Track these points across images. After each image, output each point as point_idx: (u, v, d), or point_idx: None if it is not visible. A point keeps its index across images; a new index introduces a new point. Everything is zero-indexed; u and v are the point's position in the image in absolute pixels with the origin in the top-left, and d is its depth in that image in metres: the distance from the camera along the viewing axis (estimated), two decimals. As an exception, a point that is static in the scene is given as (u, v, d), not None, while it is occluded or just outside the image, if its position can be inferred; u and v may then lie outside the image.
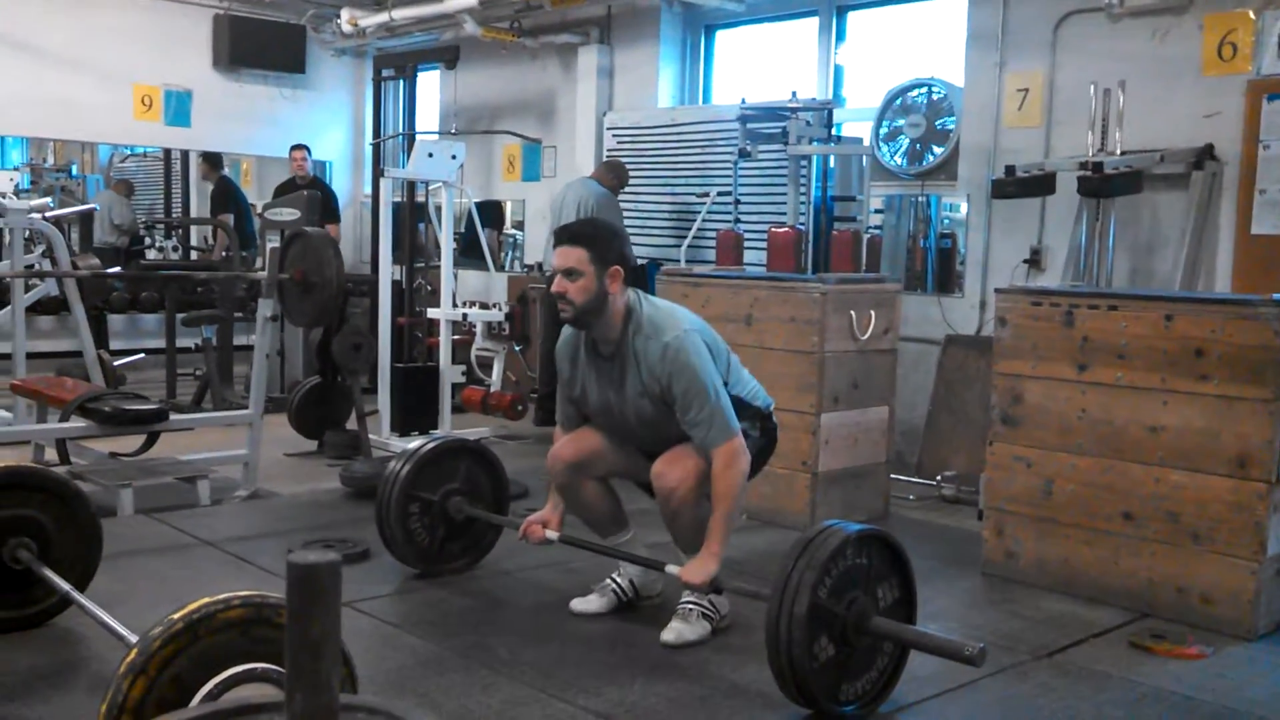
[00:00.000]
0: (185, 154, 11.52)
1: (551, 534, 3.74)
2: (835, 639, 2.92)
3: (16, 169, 12.55)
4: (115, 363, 7.27)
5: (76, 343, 6.57)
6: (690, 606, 3.56)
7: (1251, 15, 5.33)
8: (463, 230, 8.42)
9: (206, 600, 2.11)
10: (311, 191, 8.30)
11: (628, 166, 7.48)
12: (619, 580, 3.79)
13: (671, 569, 3.44)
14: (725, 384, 3.50)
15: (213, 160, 9.94)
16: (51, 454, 5.61)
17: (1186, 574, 3.89)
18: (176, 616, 2.10)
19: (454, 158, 6.56)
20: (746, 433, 3.60)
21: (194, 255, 10.61)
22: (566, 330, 3.64)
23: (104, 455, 5.50)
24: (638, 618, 3.71)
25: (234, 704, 1.23)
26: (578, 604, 3.76)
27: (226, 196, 9.80)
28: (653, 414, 3.49)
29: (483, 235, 7.65)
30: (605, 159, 7.68)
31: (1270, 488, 3.70)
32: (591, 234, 3.48)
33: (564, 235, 3.48)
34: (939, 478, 5.78)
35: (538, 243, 8.76)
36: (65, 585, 3.18)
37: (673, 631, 3.51)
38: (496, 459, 4.25)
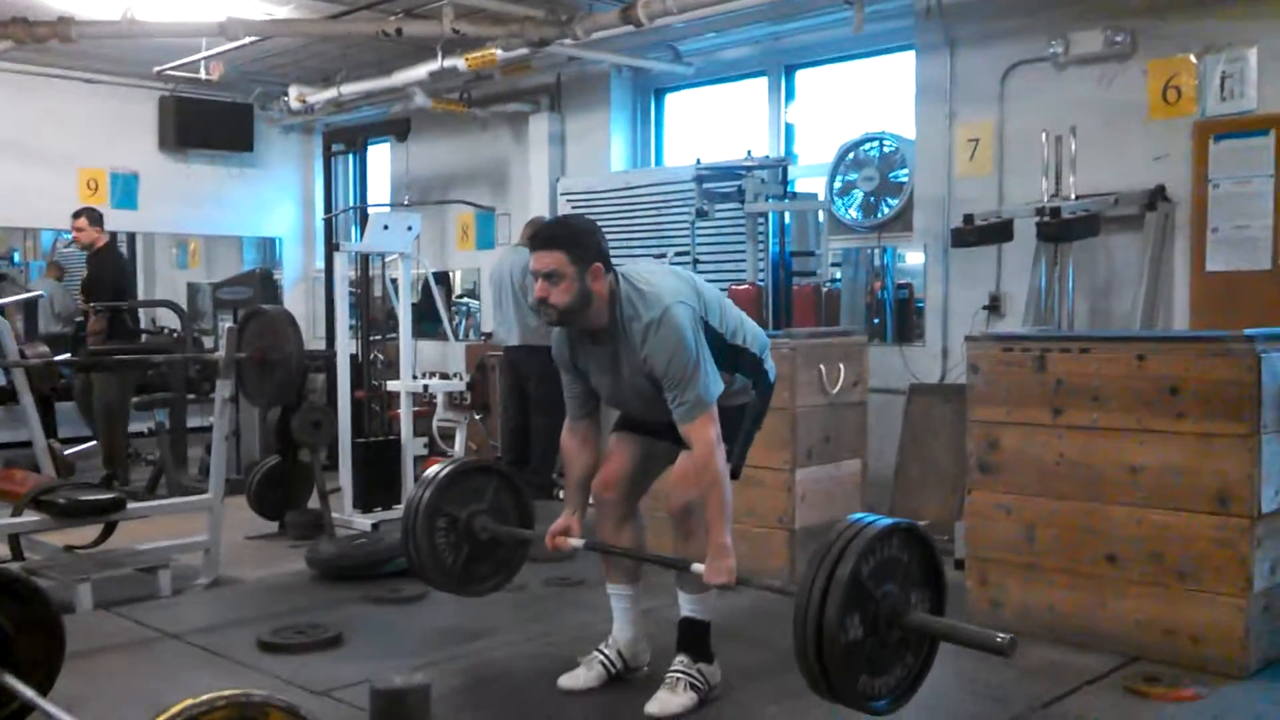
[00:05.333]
0: (131, 236, 11.32)
1: (576, 542, 3.62)
2: (866, 623, 2.76)
3: (-43, 259, 12.30)
4: (65, 451, 7.07)
5: (25, 433, 6.38)
6: (678, 676, 3.46)
7: (1193, 59, 5.46)
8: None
9: (189, 702, 1.99)
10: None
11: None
12: (607, 652, 3.67)
13: (697, 567, 3.33)
14: (723, 336, 3.44)
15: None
16: (3, 549, 5.40)
17: (1174, 614, 3.86)
18: (157, 721, 1.98)
19: (410, 229, 6.48)
20: (744, 404, 3.57)
21: (144, 338, 10.39)
22: (556, 330, 3.54)
23: (59, 549, 5.30)
24: (628, 689, 3.59)
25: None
26: (565, 680, 3.63)
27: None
28: (652, 393, 3.37)
29: (440, 304, 7.58)
30: (528, 221, 7.59)
31: (1253, 523, 3.69)
32: (567, 234, 3.37)
33: (539, 239, 3.38)
34: (914, 528, 5.73)
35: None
36: (28, 691, 3.01)
37: (657, 702, 3.41)
38: (520, 480, 4.13)
